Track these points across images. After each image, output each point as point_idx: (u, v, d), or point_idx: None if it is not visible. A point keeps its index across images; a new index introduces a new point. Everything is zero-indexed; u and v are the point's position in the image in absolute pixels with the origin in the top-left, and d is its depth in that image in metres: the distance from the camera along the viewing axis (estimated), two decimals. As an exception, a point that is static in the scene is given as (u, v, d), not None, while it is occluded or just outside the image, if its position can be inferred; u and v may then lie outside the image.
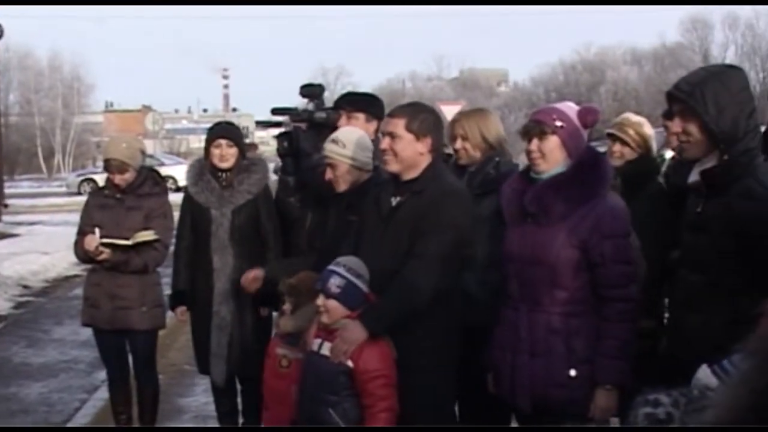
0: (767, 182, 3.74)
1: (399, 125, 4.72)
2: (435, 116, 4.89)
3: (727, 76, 3.91)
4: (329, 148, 5.35)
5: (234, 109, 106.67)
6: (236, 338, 6.33)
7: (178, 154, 60.38)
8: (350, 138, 5.33)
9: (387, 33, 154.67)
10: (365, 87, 73.15)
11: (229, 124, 6.83)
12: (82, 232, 6.59)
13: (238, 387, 6.64)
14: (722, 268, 3.79)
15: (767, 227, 3.65)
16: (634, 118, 6.03)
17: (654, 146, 5.90)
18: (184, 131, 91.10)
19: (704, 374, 3.10)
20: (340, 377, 4.55)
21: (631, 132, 5.79)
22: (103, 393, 7.97)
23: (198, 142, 61.71)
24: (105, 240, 6.42)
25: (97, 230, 6.46)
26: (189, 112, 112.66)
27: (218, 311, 6.35)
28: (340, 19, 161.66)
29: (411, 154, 4.71)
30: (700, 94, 3.81)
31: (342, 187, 5.33)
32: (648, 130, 5.88)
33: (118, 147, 6.57)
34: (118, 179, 6.55)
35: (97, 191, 6.97)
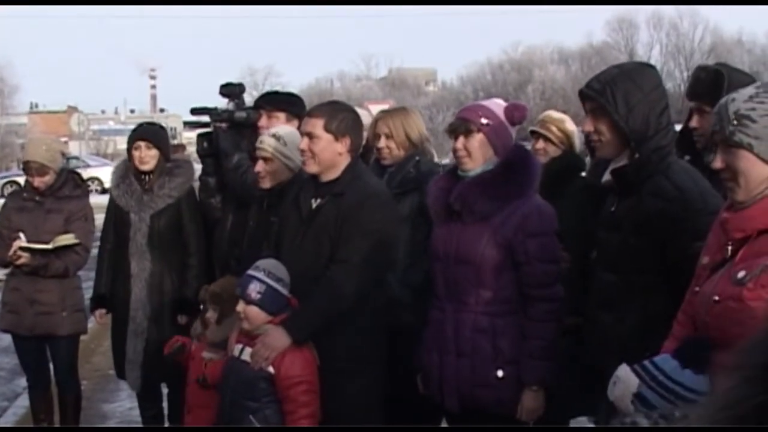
0: (679, 181, 3.75)
1: (317, 125, 4.67)
2: (354, 115, 4.84)
3: (638, 74, 3.91)
4: (268, 142, 5.28)
5: (162, 110, 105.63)
6: (152, 344, 6.22)
7: (105, 156, 59.70)
8: (291, 138, 5.27)
9: (316, 33, 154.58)
10: (294, 87, 72.91)
11: (152, 125, 6.75)
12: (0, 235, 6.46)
13: (164, 391, 6.56)
14: (634, 267, 3.79)
15: (677, 226, 3.66)
16: (556, 114, 6.04)
17: (577, 143, 5.91)
18: (111, 132, 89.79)
19: (624, 372, 3.09)
20: (261, 383, 4.49)
21: (554, 129, 5.80)
22: (24, 400, 7.83)
23: (125, 144, 60.59)
24: (24, 244, 6.30)
25: (22, 235, 6.33)
26: (116, 113, 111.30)
27: (134, 317, 6.26)
28: (268, 18, 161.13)
29: (330, 154, 4.66)
30: (610, 92, 3.80)
31: (267, 183, 5.29)
32: (570, 126, 5.90)
33: (37, 149, 6.45)
34: (37, 182, 6.42)
35: (15, 193, 6.84)
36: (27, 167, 6.48)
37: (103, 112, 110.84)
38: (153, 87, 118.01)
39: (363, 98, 59.32)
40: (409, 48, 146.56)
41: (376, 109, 7.66)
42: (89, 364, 9.29)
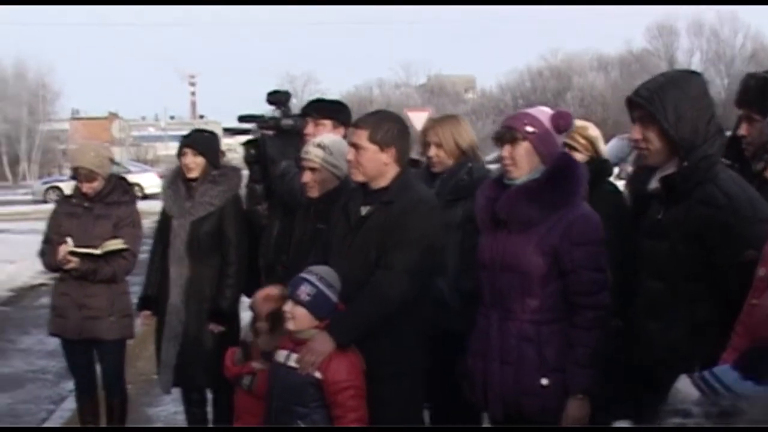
0: (727, 189, 3.75)
1: (362, 136, 4.73)
2: (400, 125, 4.88)
3: (686, 82, 3.90)
4: (315, 152, 5.31)
5: (201, 117, 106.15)
6: (187, 349, 6.31)
7: (145, 162, 60.07)
8: (337, 146, 5.30)
9: (355, 40, 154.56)
10: (333, 94, 72.69)
11: (202, 132, 6.78)
12: (49, 241, 6.54)
13: (209, 396, 6.61)
14: (682, 274, 3.79)
15: (725, 234, 3.65)
16: (579, 122, 6.03)
17: (602, 148, 5.92)
18: (151, 138, 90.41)
19: (683, 384, 3.07)
20: (309, 389, 4.52)
21: (578, 136, 5.80)
22: (71, 404, 7.91)
23: (165, 150, 61.59)
24: (73, 249, 6.37)
25: (69, 239, 6.40)
26: (156, 119, 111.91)
27: (169, 321, 6.35)
28: (308, 25, 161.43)
29: (375, 165, 4.72)
30: (659, 100, 3.80)
31: (315, 192, 5.31)
32: (593, 132, 5.90)
33: (86, 155, 6.53)
34: (86, 187, 6.50)
35: (65, 199, 6.90)
36: (76, 173, 6.56)
37: (143, 118, 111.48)
38: (193, 94, 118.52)
39: (402, 105, 59.20)
40: (448, 55, 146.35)
41: (415, 116, 7.65)
42: (134, 369, 9.35)
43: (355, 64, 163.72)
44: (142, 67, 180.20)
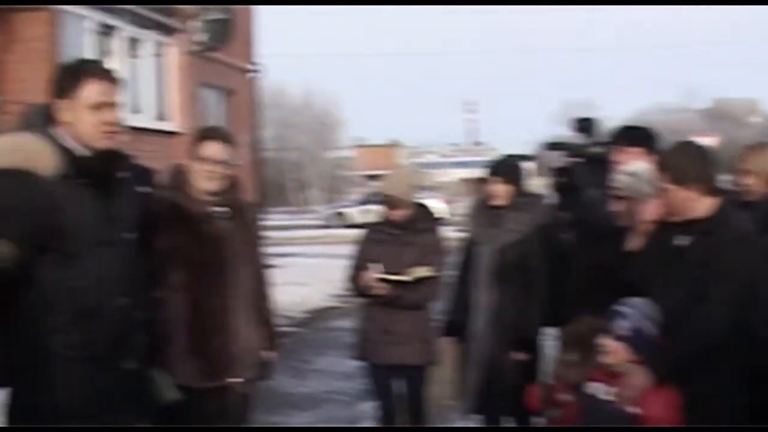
0: None
1: (662, 178, 4.68)
2: (697, 156, 4.75)
3: None
4: (625, 181, 5.22)
5: (480, 144, 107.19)
6: (489, 377, 6.34)
7: (426, 189, 61.10)
8: (648, 175, 5.19)
9: (632, 64, 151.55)
10: (613, 120, 72.02)
11: (508, 159, 6.79)
12: (359, 267, 6.70)
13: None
14: None
15: None
16: None
17: None
18: (431, 165, 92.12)
19: None
20: (624, 423, 4.44)
21: None
22: (367, 425, 8.04)
23: (445, 176, 62.49)
24: (383, 275, 6.50)
25: (378, 266, 6.54)
26: (436, 146, 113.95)
27: (473, 347, 6.40)
28: (585, 51, 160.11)
29: (680, 202, 4.64)
30: None
31: (630, 222, 5.21)
32: None
33: (395, 183, 6.66)
34: (394, 215, 6.62)
35: (374, 226, 7.01)
36: (385, 201, 6.69)
37: (423, 145, 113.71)
38: (472, 121, 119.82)
39: (682, 130, 57.62)
40: (730, 78, 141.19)
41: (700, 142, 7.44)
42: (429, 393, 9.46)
43: (634, 89, 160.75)
44: (420, 95, 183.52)
